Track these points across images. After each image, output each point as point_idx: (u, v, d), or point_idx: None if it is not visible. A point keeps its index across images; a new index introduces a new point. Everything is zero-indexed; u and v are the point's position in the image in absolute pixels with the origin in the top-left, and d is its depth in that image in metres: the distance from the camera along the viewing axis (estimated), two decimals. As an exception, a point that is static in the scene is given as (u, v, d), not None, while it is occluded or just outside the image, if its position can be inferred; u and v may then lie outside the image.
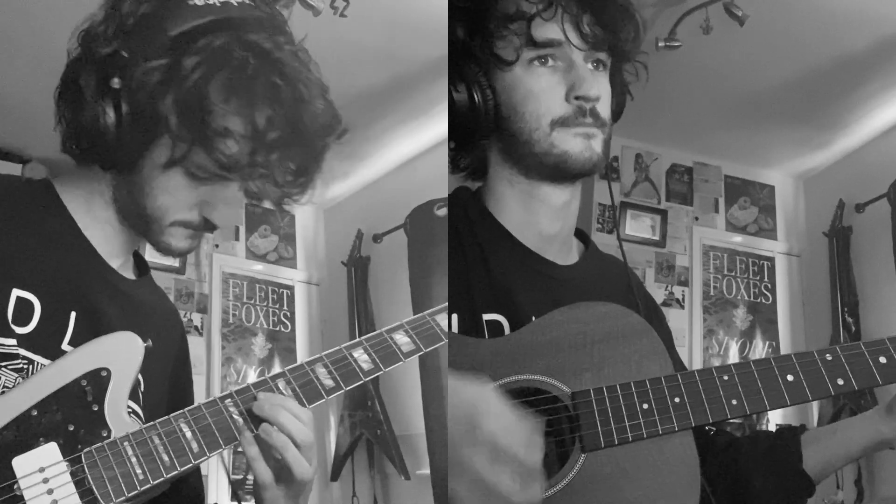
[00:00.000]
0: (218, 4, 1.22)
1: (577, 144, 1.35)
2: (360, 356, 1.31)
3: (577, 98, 1.35)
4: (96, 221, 1.29)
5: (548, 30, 1.35)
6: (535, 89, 1.36)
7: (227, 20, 1.21)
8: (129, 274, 1.35)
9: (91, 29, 1.23)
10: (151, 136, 1.21)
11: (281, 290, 3.98)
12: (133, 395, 1.26)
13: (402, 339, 1.34)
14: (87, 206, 1.29)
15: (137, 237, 1.32)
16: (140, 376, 1.27)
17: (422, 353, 1.34)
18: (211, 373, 3.68)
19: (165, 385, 1.37)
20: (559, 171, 1.37)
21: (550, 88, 1.35)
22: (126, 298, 1.31)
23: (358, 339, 1.32)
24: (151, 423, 1.19)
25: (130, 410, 1.25)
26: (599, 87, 1.37)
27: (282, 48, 1.23)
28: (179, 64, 1.18)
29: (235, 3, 1.23)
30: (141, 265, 1.39)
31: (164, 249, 1.29)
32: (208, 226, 1.27)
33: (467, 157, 1.45)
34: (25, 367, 1.19)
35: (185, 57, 1.19)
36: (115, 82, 1.19)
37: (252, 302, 3.90)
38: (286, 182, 1.26)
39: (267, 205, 1.32)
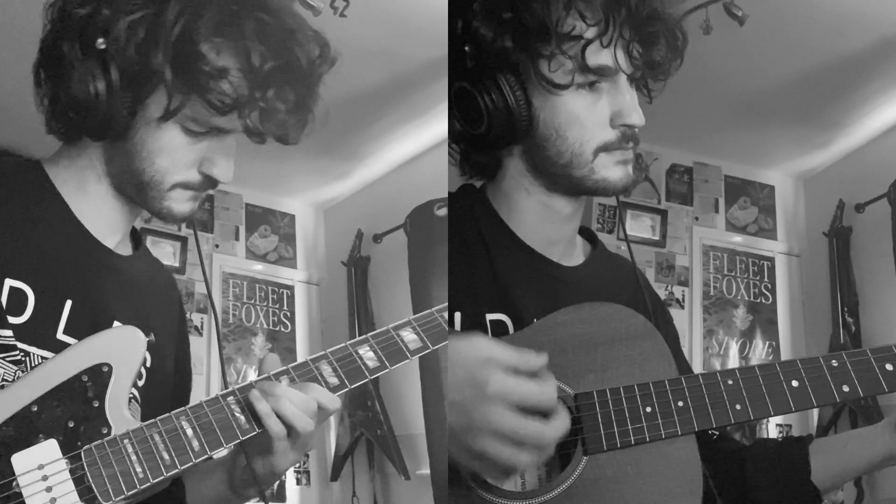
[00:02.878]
0: None
1: (618, 172, 1.33)
2: (366, 353, 1.29)
3: (622, 125, 1.32)
4: (89, 199, 1.27)
5: (602, 56, 1.29)
6: (581, 113, 1.31)
7: None
8: (126, 250, 1.34)
9: None
10: (144, 94, 1.19)
11: (281, 290, 3.98)
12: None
13: (409, 335, 1.32)
14: (78, 184, 1.27)
15: (134, 210, 1.30)
16: (148, 353, 1.26)
17: (429, 350, 1.32)
18: (210, 373, 3.68)
19: (169, 361, 1.36)
20: (593, 193, 1.36)
21: (595, 113, 1.31)
22: (121, 277, 1.30)
23: (364, 336, 1.30)
24: (152, 420, 1.18)
25: (131, 396, 1.24)
26: (641, 114, 1.34)
27: None
28: (163, 13, 1.16)
29: None
30: (136, 238, 1.38)
31: (167, 215, 1.27)
32: (209, 182, 1.26)
33: (478, 160, 1.42)
34: (23, 358, 1.18)
35: (168, 6, 1.16)
36: (101, 42, 1.17)
37: (252, 302, 3.90)
38: (285, 117, 1.24)
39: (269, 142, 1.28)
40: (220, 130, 1.23)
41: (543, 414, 1.10)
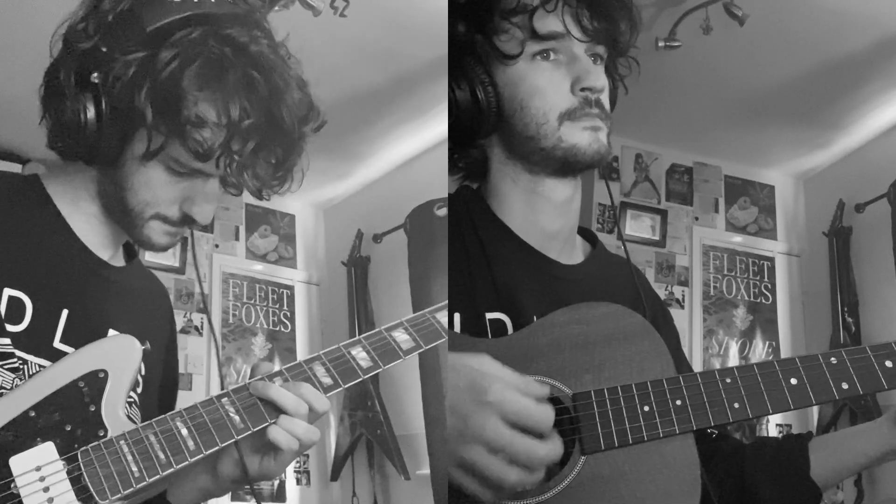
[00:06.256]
0: (196, 0, 1.23)
1: (586, 137, 1.35)
2: (359, 354, 1.31)
3: (582, 90, 1.35)
4: (83, 215, 1.30)
5: (549, 22, 1.34)
6: (541, 83, 1.35)
7: (205, 16, 1.22)
8: (119, 262, 1.36)
9: (72, 27, 1.25)
10: (131, 130, 1.22)
11: (281, 290, 3.98)
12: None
13: (401, 336, 1.34)
14: (73, 200, 1.30)
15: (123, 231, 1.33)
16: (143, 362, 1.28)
17: (421, 350, 1.34)
18: (211, 373, 3.68)
19: (160, 368, 1.39)
20: (568, 164, 1.37)
21: (555, 82, 1.35)
22: (116, 287, 1.32)
23: (357, 338, 1.33)
24: (147, 422, 1.20)
25: (132, 401, 1.26)
26: (603, 79, 1.37)
27: (258, 42, 1.24)
28: (156, 57, 1.19)
29: (213, 0, 1.24)
30: (129, 251, 1.40)
31: (146, 243, 1.29)
32: (188, 221, 1.28)
33: (466, 158, 1.44)
34: (21, 366, 1.20)
35: (162, 50, 1.20)
36: (95, 77, 1.21)
37: (252, 302, 3.90)
38: (264, 173, 1.27)
39: (246, 195, 1.32)
40: (202, 173, 1.25)
41: (538, 436, 1.09)
